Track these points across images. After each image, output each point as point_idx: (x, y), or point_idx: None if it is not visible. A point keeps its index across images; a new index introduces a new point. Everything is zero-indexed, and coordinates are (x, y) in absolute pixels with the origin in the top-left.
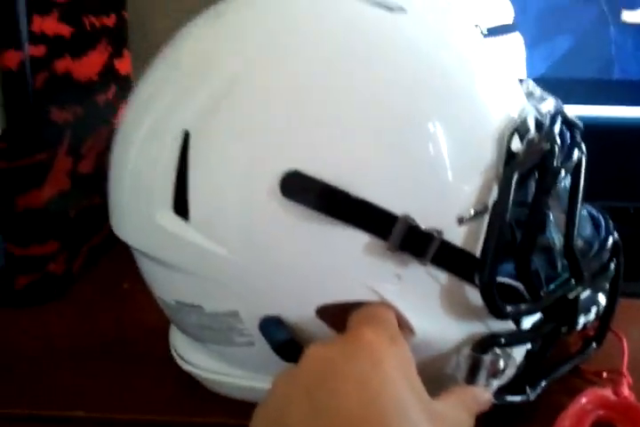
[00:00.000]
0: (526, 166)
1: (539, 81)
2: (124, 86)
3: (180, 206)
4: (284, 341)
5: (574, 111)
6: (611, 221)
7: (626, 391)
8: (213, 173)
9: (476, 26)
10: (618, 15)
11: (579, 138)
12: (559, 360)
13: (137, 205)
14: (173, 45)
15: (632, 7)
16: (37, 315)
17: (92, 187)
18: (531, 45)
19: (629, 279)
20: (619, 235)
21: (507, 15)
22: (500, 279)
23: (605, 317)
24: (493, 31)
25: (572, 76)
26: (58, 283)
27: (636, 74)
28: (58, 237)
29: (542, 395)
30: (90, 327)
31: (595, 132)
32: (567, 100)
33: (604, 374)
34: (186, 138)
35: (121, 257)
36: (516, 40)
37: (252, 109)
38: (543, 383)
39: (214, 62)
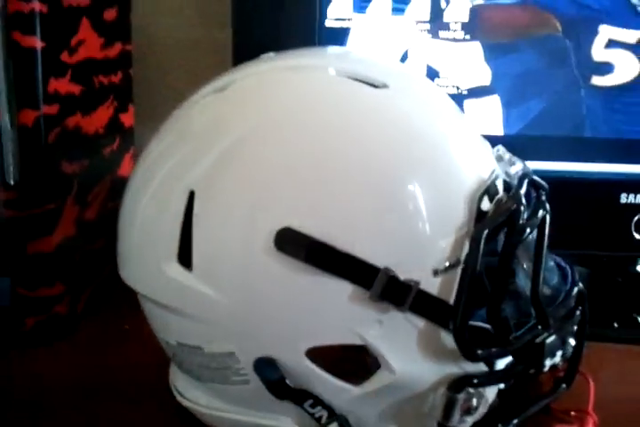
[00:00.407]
0: (495, 224)
1: (515, 138)
2: (128, 138)
3: (184, 257)
4: (277, 380)
5: (548, 166)
6: (576, 272)
7: None
8: (215, 228)
9: (456, 87)
10: (588, 79)
11: (544, 198)
12: (531, 400)
13: (144, 255)
14: (181, 113)
15: (601, 73)
16: (43, 355)
17: (96, 232)
18: (507, 105)
19: (600, 325)
20: (592, 281)
21: (484, 78)
22: (474, 323)
23: (574, 360)
24: (473, 92)
25: (545, 134)
26: (63, 324)
27: (606, 132)
28: (64, 280)
29: None
30: (93, 366)
31: (568, 186)
32: (541, 157)
33: (572, 413)
34: (191, 196)
35: (121, 300)
36: (493, 101)
37: (251, 173)
38: (515, 421)
39: (218, 132)
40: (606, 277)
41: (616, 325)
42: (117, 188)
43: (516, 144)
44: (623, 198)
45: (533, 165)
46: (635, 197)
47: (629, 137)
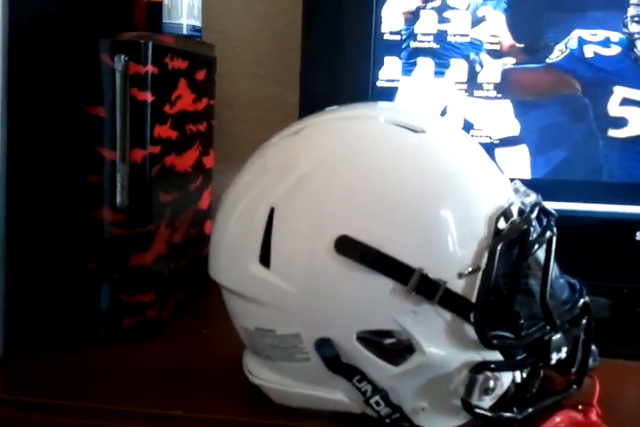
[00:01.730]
0: (509, 239)
1: (541, 182)
2: (208, 177)
3: (265, 258)
4: (333, 357)
5: (570, 207)
6: (584, 288)
7: (594, 417)
8: (289, 236)
9: (489, 137)
10: (605, 132)
11: (552, 222)
12: (546, 395)
13: (233, 258)
14: (263, 151)
15: (616, 126)
16: (135, 351)
17: (181, 253)
18: (534, 153)
19: (623, 345)
20: (614, 310)
21: (514, 130)
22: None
23: (583, 365)
24: (503, 142)
25: (568, 179)
26: (152, 326)
27: (621, 177)
28: (155, 289)
29: (528, 417)
30: (176, 360)
31: (588, 225)
32: (564, 198)
33: (580, 407)
34: (271, 212)
35: (200, 310)
36: (522, 149)
37: (318, 196)
38: (530, 409)
39: (292, 164)
40: (626, 307)
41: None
42: (198, 218)
43: (542, 187)
44: (638, 236)
45: (557, 205)
46: None
47: None
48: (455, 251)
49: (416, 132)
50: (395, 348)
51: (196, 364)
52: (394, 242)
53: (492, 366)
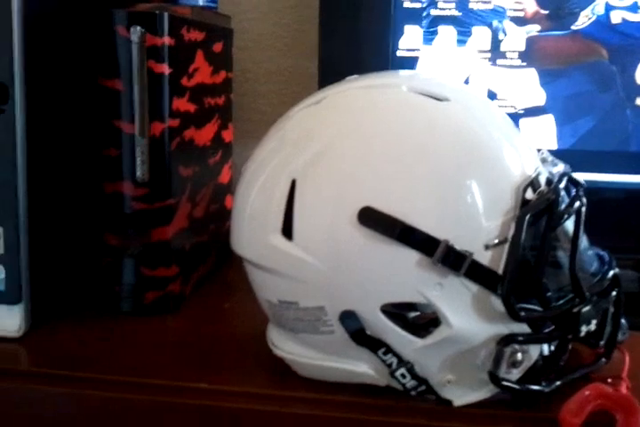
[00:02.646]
0: (536, 210)
1: (568, 152)
2: (227, 152)
3: (287, 230)
4: (357, 329)
5: (597, 178)
6: (613, 259)
7: (624, 390)
8: (311, 207)
9: (513, 107)
10: (633, 100)
11: (581, 192)
12: (574, 369)
13: (255, 230)
14: (284, 122)
15: None
16: (158, 324)
17: (202, 228)
18: (561, 123)
19: None
20: None
21: (539, 99)
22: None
23: (612, 337)
24: (528, 112)
25: (595, 149)
26: (175, 300)
27: None
28: (178, 263)
29: (556, 391)
30: (199, 333)
31: (615, 196)
32: (591, 169)
33: (609, 380)
34: (293, 183)
35: (222, 285)
36: (548, 119)
37: (339, 165)
38: (558, 383)
39: (314, 135)
40: None
41: None
42: (219, 192)
43: (569, 158)
44: None
45: (584, 176)
46: None
47: None
48: (482, 222)
49: (440, 100)
50: (419, 321)
51: (220, 337)
52: (418, 213)
53: (520, 338)
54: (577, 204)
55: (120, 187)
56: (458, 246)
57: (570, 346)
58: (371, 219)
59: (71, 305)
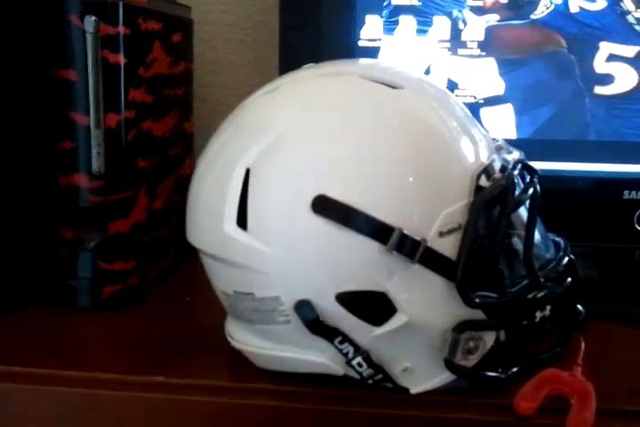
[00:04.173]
0: (490, 196)
1: (527, 142)
2: (188, 144)
3: (241, 220)
4: (313, 319)
5: (557, 167)
6: (569, 246)
7: (579, 375)
8: (265, 196)
9: (474, 97)
10: (591, 89)
11: (535, 179)
12: (531, 355)
13: (210, 221)
14: (239, 111)
15: (602, 83)
16: (118, 318)
17: (162, 220)
18: (519, 113)
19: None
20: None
21: (499, 89)
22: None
23: (568, 324)
24: (488, 101)
25: (554, 138)
26: (134, 294)
27: (608, 136)
28: (136, 257)
29: (513, 377)
30: (159, 327)
31: (574, 185)
32: (551, 158)
33: (565, 366)
34: (247, 173)
35: (182, 277)
36: (507, 109)
37: (292, 154)
38: (514, 369)
39: (268, 123)
40: (611, 266)
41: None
42: (180, 185)
43: (528, 147)
44: (626, 195)
45: (544, 165)
46: (636, 194)
47: (630, 139)
48: (435, 209)
49: (394, 88)
50: (379, 310)
51: (179, 331)
52: (372, 201)
53: (476, 325)
54: (531, 190)
55: (75, 180)
56: (411, 234)
57: (526, 332)
58: (325, 207)
59: (26, 300)
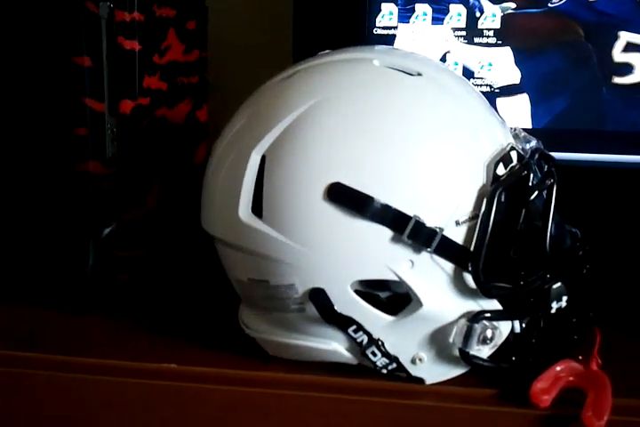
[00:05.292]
0: (507, 185)
1: (542, 131)
2: (202, 132)
3: (256, 207)
4: (327, 307)
5: (573, 157)
6: (584, 237)
7: (594, 367)
8: (280, 184)
9: (490, 86)
10: (609, 79)
11: (553, 168)
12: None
13: (225, 208)
14: (254, 98)
15: (620, 73)
16: (132, 305)
17: (176, 208)
18: (535, 102)
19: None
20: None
21: (515, 78)
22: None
23: (584, 315)
24: (504, 91)
25: (570, 128)
26: (147, 281)
27: (625, 126)
28: (149, 244)
29: (527, 367)
30: (173, 315)
31: (589, 174)
32: (566, 149)
33: (580, 357)
34: (263, 160)
35: (195, 267)
36: (523, 98)
37: (309, 141)
38: (529, 360)
39: (283, 110)
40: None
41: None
42: (193, 172)
43: (544, 137)
44: None
45: (560, 155)
46: None
47: None
48: (452, 197)
49: (411, 75)
50: (392, 301)
51: (192, 318)
52: (388, 189)
53: (490, 314)
54: (549, 179)
55: (89, 166)
56: (428, 222)
57: (542, 323)
58: (340, 195)
59: (40, 286)
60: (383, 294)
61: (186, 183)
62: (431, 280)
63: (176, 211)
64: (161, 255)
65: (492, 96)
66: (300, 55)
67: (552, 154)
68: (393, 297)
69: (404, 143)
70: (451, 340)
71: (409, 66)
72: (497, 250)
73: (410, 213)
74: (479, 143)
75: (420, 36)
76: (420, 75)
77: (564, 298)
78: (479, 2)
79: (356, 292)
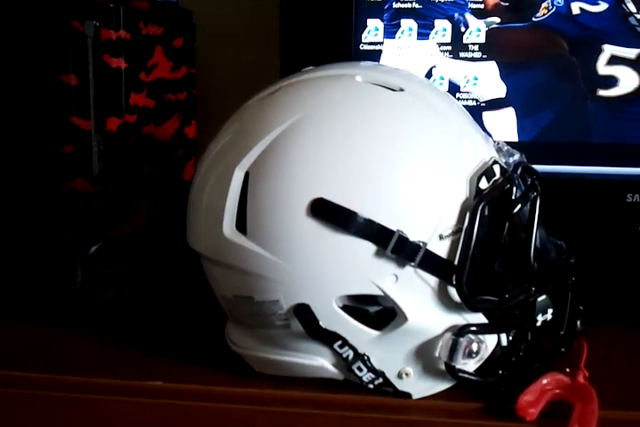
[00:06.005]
0: (490, 199)
1: (529, 145)
2: (191, 148)
3: (241, 224)
4: (312, 322)
5: (559, 169)
6: (570, 249)
7: (581, 379)
8: (264, 200)
9: (475, 100)
10: (594, 92)
11: (536, 182)
12: (532, 359)
13: (209, 225)
14: (239, 114)
15: (605, 86)
16: (118, 323)
17: (163, 225)
18: (521, 116)
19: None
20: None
21: (500, 92)
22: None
23: (570, 327)
24: (490, 105)
25: (556, 141)
26: (133, 298)
27: (611, 138)
28: (137, 262)
29: (514, 380)
30: (159, 332)
31: (576, 187)
32: (553, 161)
33: (567, 369)
34: (246, 177)
35: (181, 284)
36: (509, 112)
37: (292, 157)
38: (516, 373)
39: (266, 127)
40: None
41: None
42: (181, 189)
43: (530, 150)
44: (629, 198)
45: (546, 168)
46: None
47: (632, 142)
48: (435, 212)
49: (394, 90)
50: (381, 315)
51: (179, 334)
52: (371, 204)
53: (476, 328)
54: (532, 193)
55: (76, 184)
56: (412, 237)
57: (529, 336)
58: (323, 210)
59: (27, 304)
60: (372, 309)
61: (174, 200)
62: (416, 294)
63: (163, 228)
64: (148, 272)
65: (478, 110)
66: (287, 71)
67: (539, 167)
68: (382, 312)
69: (386, 158)
70: (436, 354)
71: (391, 81)
72: (481, 264)
73: (393, 227)
74: (461, 157)
75: (406, 52)
76: (402, 90)
77: (550, 311)
78: (464, 17)
79: (345, 307)
